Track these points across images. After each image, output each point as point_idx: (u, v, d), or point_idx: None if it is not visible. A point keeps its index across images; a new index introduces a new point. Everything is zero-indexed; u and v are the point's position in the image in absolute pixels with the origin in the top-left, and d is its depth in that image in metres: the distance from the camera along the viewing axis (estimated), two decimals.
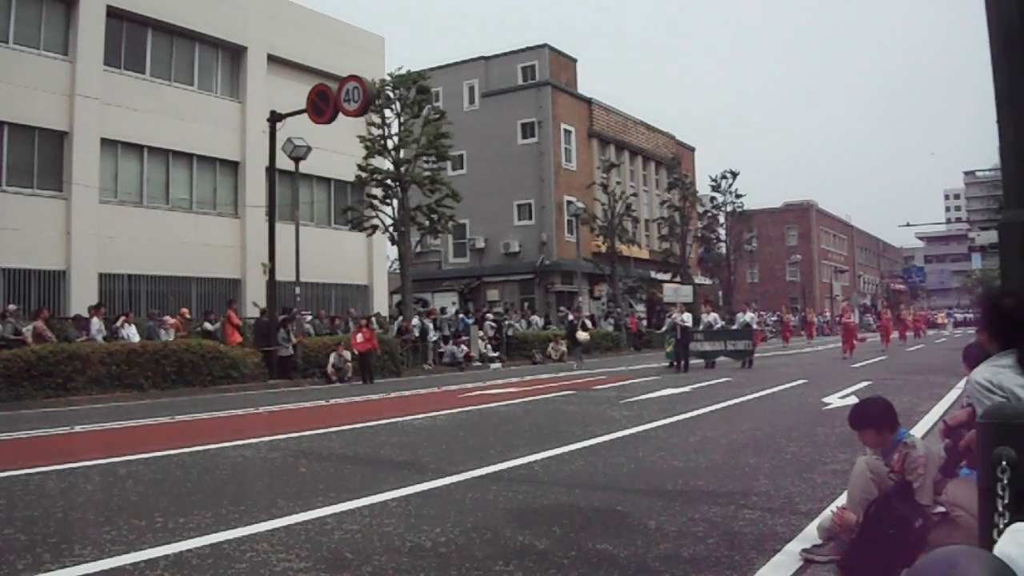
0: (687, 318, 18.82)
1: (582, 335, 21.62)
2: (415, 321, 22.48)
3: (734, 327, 21.89)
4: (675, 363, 18.42)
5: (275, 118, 18.45)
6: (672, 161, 41.30)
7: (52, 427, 9.57)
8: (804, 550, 3.65)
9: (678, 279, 39.62)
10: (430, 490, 5.28)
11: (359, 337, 17.82)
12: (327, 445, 7.65)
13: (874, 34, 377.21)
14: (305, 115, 17.73)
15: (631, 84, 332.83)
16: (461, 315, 26.54)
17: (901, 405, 9.29)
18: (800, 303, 55.23)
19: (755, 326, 22.20)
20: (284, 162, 18.98)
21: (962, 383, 8.41)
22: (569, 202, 35.52)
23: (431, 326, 22.78)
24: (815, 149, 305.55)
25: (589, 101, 39.69)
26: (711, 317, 21.31)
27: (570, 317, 24.08)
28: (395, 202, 23.67)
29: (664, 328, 20.96)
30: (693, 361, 18.75)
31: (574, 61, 40.95)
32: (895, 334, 32.51)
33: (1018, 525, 1.63)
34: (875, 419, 3.67)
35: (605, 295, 36.84)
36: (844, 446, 6.51)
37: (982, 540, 2.04)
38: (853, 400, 9.80)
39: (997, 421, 2.16)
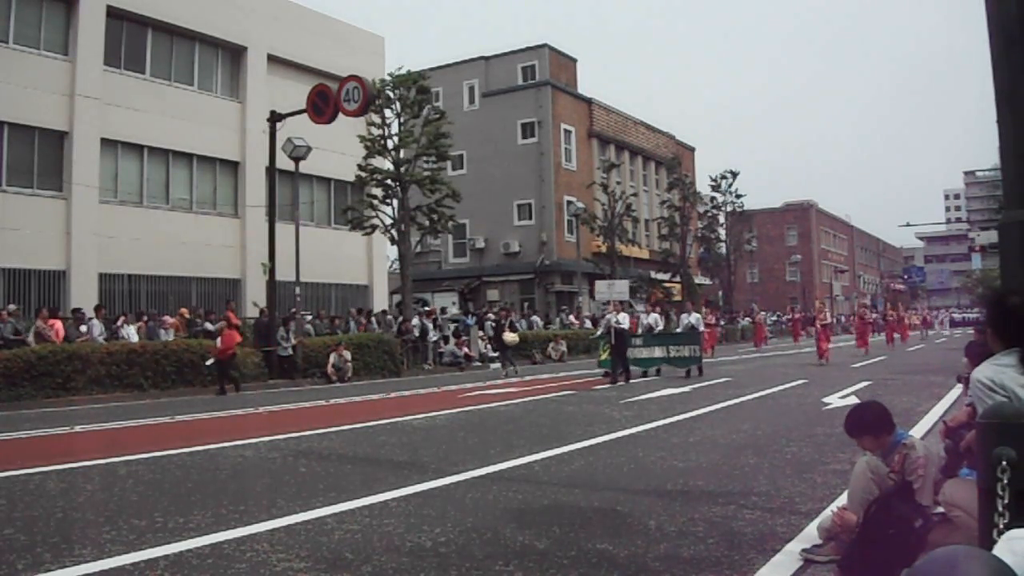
0: (623, 319, 15.99)
1: (509, 336, 19.10)
2: (415, 321, 22.47)
3: (678, 330, 19.17)
4: (611, 373, 15.49)
5: (275, 118, 18.44)
6: (672, 161, 41.29)
7: (52, 427, 9.57)
8: (804, 550, 3.64)
9: (678, 279, 39.68)
10: (430, 490, 5.28)
11: (217, 342, 15.37)
12: (327, 445, 7.64)
13: (874, 34, 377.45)
14: (305, 115, 17.72)
15: (631, 84, 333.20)
16: (462, 316, 26.54)
17: (901, 405, 9.32)
18: (799, 303, 55.24)
19: (702, 328, 19.19)
20: (284, 162, 18.96)
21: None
22: (569, 202, 35.52)
23: (431, 326, 22.77)
24: (815, 149, 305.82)
25: (589, 101, 39.69)
26: (651, 318, 18.76)
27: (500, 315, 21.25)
28: (395, 202, 23.67)
29: (599, 332, 18.02)
30: (632, 369, 15.98)
31: (574, 61, 40.96)
32: (881, 335, 31.54)
33: (1013, 532, 1.62)
34: (871, 425, 3.66)
35: None
36: (844, 446, 6.49)
37: (982, 540, 2.04)
38: (853, 400, 9.81)
39: (997, 421, 2.16)
